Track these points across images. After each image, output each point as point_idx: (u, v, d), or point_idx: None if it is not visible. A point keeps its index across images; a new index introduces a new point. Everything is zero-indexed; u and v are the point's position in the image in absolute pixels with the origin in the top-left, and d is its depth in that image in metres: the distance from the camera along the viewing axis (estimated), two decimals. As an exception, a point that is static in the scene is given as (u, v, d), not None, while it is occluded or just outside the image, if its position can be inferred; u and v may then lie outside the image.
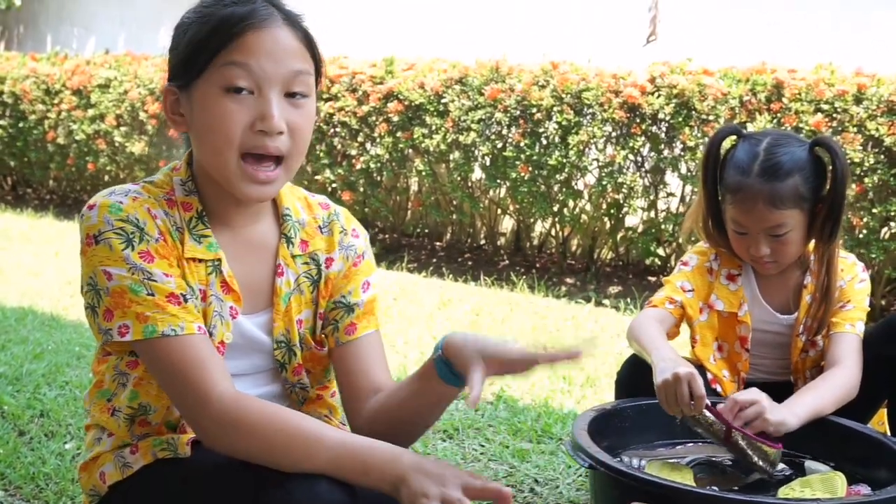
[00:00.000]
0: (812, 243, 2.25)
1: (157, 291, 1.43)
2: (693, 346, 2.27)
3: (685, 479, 1.90)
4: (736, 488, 1.93)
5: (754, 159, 2.14)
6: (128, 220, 1.44)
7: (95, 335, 1.50)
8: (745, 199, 2.13)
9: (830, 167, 2.16)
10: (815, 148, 2.18)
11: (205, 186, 1.55)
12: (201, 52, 1.44)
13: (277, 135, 1.45)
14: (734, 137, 2.26)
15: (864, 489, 1.87)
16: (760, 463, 1.93)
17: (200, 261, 1.52)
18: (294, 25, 1.49)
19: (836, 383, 2.09)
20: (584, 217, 5.50)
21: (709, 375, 2.24)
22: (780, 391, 2.09)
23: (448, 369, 1.49)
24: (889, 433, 2.26)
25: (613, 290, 5.33)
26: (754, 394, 1.97)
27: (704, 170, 2.24)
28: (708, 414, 1.92)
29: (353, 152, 5.93)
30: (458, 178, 5.73)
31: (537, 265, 5.89)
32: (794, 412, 1.96)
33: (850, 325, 2.20)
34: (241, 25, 1.43)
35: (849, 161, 2.37)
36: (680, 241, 5.23)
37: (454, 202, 5.97)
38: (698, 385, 1.89)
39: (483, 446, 2.74)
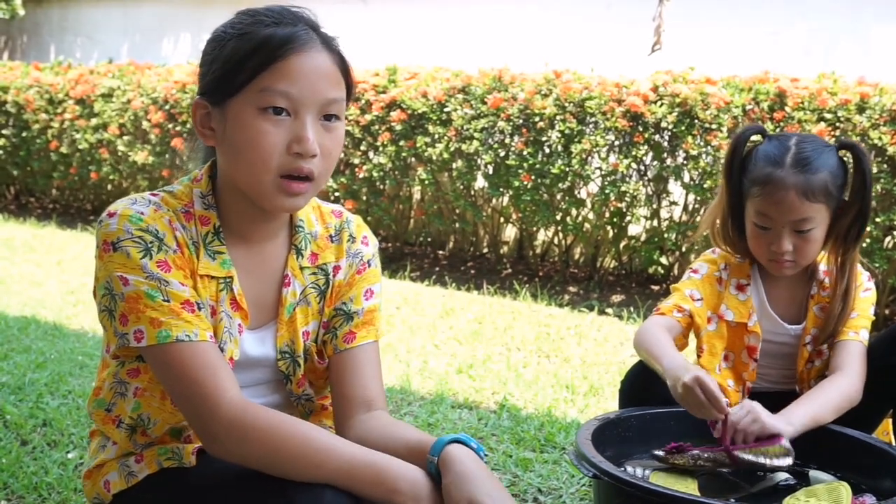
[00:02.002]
0: (822, 254, 2.24)
1: (172, 298, 1.44)
2: (699, 356, 2.25)
3: (689, 489, 1.90)
4: (733, 501, 1.92)
5: (786, 151, 2.12)
6: (147, 231, 1.45)
7: (110, 338, 1.51)
8: (776, 189, 2.09)
9: (853, 170, 2.15)
10: (839, 150, 2.17)
11: (227, 200, 1.55)
12: (240, 71, 1.44)
13: (311, 157, 1.46)
14: (758, 138, 2.24)
15: (870, 499, 1.86)
16: (776, 462, 1.92)
17: (213, 277, 1.52)
18: (331, 50, 1.49)
19: (835, 391, 2.07)
20: (586, 226, 5.50)
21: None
22: (785, 400, 2.08)
23: (439, 474, 1.41)
24: (894, 443, 2.25)
25: (616, 298, 5.32)
26: (746, 406, 1.96)
27: (729, 166, 2.21)
28: (703, 454, 1.93)
29: (356, 161, 5.94)
30: (461, 187, 5.74)
31: (540, 274, 5.89)
32: (790, 421, 1.95)
33: (854, 333, 2.20)
34: (283, 49, 1.43)
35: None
36: (683, 249, 5.24)
37: (457, 211, 5.97)
38: (709, 387, 1.89)
39: (486, 455, 2.73)
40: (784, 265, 2.17)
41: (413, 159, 5.78)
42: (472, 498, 1.34)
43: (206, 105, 1.50)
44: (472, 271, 6.04)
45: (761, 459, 1.92)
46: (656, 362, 2.05)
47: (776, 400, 2.15)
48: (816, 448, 2.00)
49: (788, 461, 1.93)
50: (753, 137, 2.25)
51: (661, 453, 1.98)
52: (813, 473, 2.01)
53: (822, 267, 2.26)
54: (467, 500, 1.34)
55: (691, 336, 2.30)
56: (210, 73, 1.49)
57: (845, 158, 2.18)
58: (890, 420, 2.26)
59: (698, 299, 2.26)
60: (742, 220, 2.21)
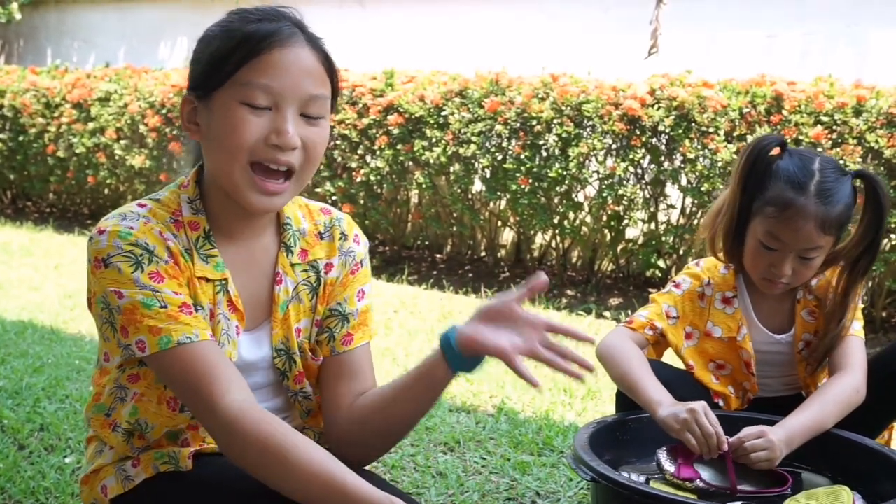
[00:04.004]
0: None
1: (169, 303, 1.45)
2: (693, 373, 2.23)
3: (686, 494, 1.90)
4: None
5: (810, 177, 2.07)
6: (137, 244, 1.46)
7: (112, 350, 1.52)
8: (795, 216, 2.04)
9: (868, 202, 2.11)
10: (854, 179, 2.13)
11: (213, 200, 1.56)
12: (224, 64, 1.46)
13: (291, 150, 1.46)
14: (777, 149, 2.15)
15: (860, 501, 1.86)
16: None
17: (209, 280, 1.53)
18: (315, 48, 1.50)
19: (836, 396, 2.04)
20: (584, 229, 5.50)
21: (711, 391, 2.22)
22: (790, 405, 2.07)
23: (462, 359, 1.54)
24: (892, 445, 2.25)
25: (614, 301, 5.33)
26: (763, 434, 1.92)
27: (744, 178, 2.13)
28: (709, 489, 1.93)
29: (354, 165, 5.94)
30: (459, 191, 5.74)
31: (538, 277, 5.88)
32: (789, 443, 1.94)
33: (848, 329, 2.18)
34: (265, 42, 1.45)
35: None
36: (681, 252, 5.24)
37: (454, 214, 5.97)
38: (714, 417, 1.89)
39: (484, 459, 2.73)
40: (778, 286, 2.15)
41: (410, 163, 5.78)
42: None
43: (192, 100, 1.52)
44: (470, 275, 6.04)
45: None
46: (634, 384, 2.04)
47: (782, 405, 2.15)
48: (813, 450, 2.00)
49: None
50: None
51: (670, 469, 1.97)
52: (806, 476, 2.01)
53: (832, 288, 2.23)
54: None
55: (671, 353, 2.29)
56: (197, 70, 1.52)
57: (860, 189, 2.13)
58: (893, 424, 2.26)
59: (674, 317, 2.23)
60: (743, 231, 2.16)
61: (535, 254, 6.18)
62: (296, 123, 1.46)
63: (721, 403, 2.21)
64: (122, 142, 7.01)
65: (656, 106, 4.95)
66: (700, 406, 1.90)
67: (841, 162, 2.26)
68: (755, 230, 2.12)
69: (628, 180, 5.20)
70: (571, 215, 5.45)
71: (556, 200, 5.43)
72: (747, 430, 1.93)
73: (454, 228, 6.13)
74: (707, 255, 2.31)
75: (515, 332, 1.48)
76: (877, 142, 4.39)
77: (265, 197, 1.48)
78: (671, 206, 5.30)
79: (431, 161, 5.59)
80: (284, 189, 1.49)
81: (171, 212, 1.54)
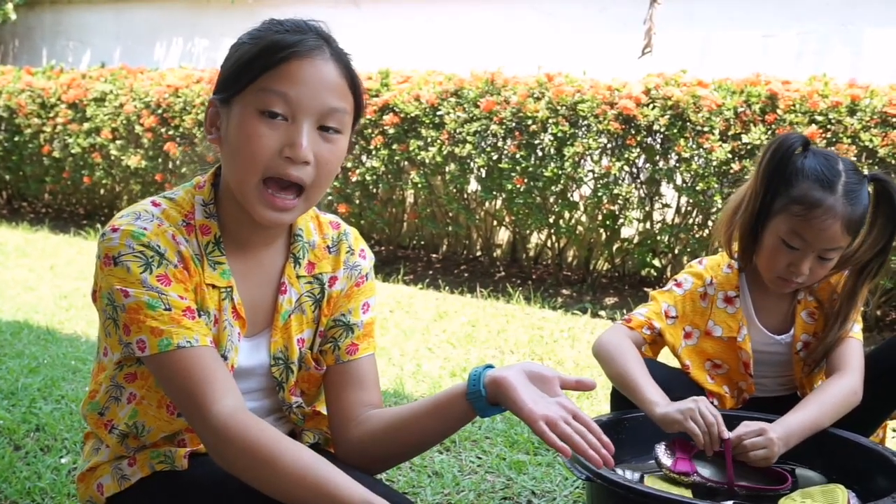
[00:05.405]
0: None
1: (173, 306, 1.46)
2: (687, 373, 2.23)
3: (681, 492, 1.90)
4: (728, 502, 1.92)
5: (837, 177, 2.06)
6: (149, 246, 1.47)
7: (113, 346, 1.53)
8: (823, 215, 2.03)
9: (881, 205, 2.11)
10: (869, 182, 2.13)
11: (226, 206, 1.56)
12: (245, 71, 1.47)
13: (303, 164, 1.46)
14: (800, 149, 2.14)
15: (853, 499, 1.86)
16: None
17: (215, 287, 1.54)
18: (340, 62, 1.50)
19: (834, 396, 2.05)
20: (579, 228, 5.51)
21: (706, 391, 2.22)
22: (785, 405, 2.07)
23: (487, 403, 1.52)
24: (885, 443, 2.26)
25: (609, 301, 5.33)
26: (761, 430, 1.93)
27: (770, 176, 2.09)
28: (706, 483, 1.93)
29: (349, 164, 5.94)
30: (454, 190, 5.74)
31: (533, 276, 5.89)
32: (786, 442, 1.95)
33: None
34: (286, 52, 1.45)
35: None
36: (676, 251, 5.24)
37: (450, 214, 5.97)
38: (714, 409, 1.90)
39: (480, 458, 2.74)
40: (791, 285, 2.14)
41: (406, 163, 5.78)
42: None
43: (215, 104, 1.53)
44: (466, 274, 6.05)
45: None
46: (631, 383, 2.04)
47: (777, 405, 2.15)
48: (808, 448, 2.01)
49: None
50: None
51: (667, 463, 1.97)
52: (799, 471, 2.02)
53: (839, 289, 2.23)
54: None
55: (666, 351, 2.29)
56: (222, 74, 1.53)
57: (871, 192, 2.13)
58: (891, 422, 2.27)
59: (673, 317, 2.23)
60: (760, 229, 2.14)
61: (531, 253, 6.19)
62: (311, 137, 1.46)
63: (716, 403, 2.21)
64: (118, 142, 7.00)
65: (651, 105, 4.96)
66: (702, 399, 1.92)
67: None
68: (777, 228, 2.10)
69: (623, 180, 5.21)
70: (567, 215, 5.46)
71: (551, 200, 5.43)
72: (746, 428, 1.93)
73: (450, 228, 6.13)
74: (709, 253, 2.31)
75: (546, 402, 1.48)
76: (871, 141, 4.39)
77: (274, 212, 1.49)
78: (666, 206, 5.30)
79: (427, 161, 5.59)
80: (294, 205, 1.50)
81: (184, 214, 1.54)
